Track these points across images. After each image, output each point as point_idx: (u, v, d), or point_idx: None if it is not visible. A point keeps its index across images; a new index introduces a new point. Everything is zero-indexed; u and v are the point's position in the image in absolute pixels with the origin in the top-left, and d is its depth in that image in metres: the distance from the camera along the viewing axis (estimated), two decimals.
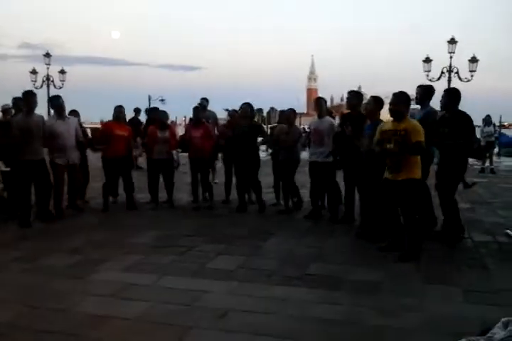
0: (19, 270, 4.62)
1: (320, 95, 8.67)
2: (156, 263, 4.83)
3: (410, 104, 5.19)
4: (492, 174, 13.18)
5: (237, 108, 7.96)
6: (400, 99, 4.99)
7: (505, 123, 47.17)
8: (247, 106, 7.63)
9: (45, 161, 6.79)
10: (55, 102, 7.13)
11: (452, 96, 5.59)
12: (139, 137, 8.50)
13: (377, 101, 5.76)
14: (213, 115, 10.06)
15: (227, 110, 11.70)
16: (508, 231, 6.01)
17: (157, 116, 8.19)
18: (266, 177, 8.49)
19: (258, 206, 7.53)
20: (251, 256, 5.10)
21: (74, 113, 8.26)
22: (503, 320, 0.58)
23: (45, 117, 7.28)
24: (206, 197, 8.04)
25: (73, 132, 7.07)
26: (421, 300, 3.83)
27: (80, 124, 8.37)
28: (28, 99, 6.56)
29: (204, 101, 9.69)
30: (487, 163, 13.77)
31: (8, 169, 6.75)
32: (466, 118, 5.44)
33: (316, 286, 4.16)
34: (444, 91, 5.81)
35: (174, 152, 7.97)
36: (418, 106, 6.20)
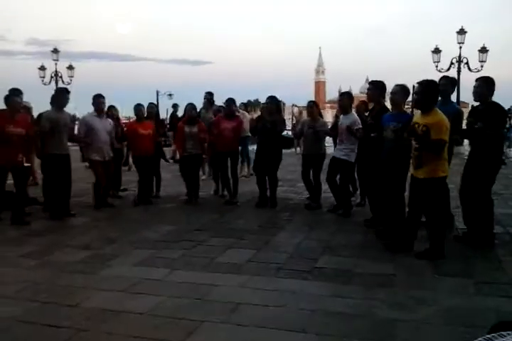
0: (29, 265, 4.62)
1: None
2: (166, 257, 4.84)
3: (438, 96, 4.76)
4: (503, 165, 13.02)
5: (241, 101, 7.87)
6: (428, 88, 4.56)
7: None
8: (271, 101, 7.47)
9: (70, 157, 6.90)
10: (97, 100, 7.47)
11: (490, 85, 5.01)
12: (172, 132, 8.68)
13: (403, 90, 5.34)
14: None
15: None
16: None
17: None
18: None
19: (270, 201, 7.44)
20: (260, 250, 5.10)
21: (112, 108, 8.52)
22: None
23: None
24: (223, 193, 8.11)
25: (109, 130, 7.47)
26: (433, 292, 3.80)
27: (119, 119, 8.82)
28: (60, 95, 6.99)
29: (208, 96, 9.56)
30: None
31: (29, 165, 6.92)
32: (501, 110, 5.01)
33: (326, 280, 4.15)
34: (478, 79, 5.11)
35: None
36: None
